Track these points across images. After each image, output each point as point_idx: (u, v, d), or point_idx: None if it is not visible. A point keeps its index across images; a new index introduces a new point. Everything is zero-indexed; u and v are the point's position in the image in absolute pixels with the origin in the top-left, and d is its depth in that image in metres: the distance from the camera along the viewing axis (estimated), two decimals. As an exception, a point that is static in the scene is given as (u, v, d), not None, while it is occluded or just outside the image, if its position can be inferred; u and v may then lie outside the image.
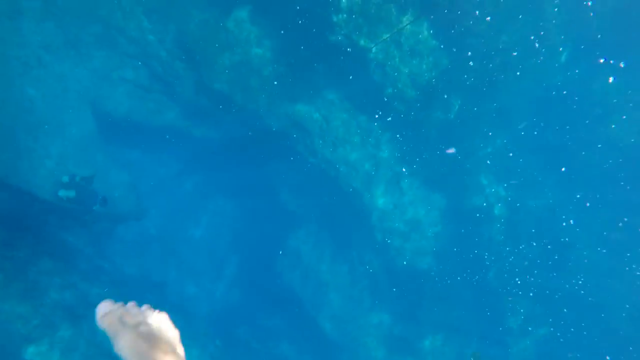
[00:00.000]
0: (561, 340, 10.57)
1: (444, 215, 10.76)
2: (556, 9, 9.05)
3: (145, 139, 12.09)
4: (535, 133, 9.95)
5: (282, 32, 9.49)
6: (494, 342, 10.97)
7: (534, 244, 10.27)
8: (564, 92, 9.75)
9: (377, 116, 9.88)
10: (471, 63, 8.90)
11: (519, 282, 10.58)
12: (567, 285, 10.49)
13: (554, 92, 9.67)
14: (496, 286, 11.08)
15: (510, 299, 10.84)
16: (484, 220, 10.57)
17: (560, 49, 9.45)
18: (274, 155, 11.90)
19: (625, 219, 9.91)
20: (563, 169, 10.14)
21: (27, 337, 8.19)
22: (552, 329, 10.60)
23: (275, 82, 9.94)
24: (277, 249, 13.58)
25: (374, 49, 8.62)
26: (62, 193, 8.89)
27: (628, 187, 9.73)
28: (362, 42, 8.78)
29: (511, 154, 10.09)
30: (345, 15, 8.86)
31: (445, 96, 9.42)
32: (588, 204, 10.03)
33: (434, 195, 10.71)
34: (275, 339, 12.16)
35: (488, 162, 10.64)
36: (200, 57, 9.94)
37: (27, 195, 9.31)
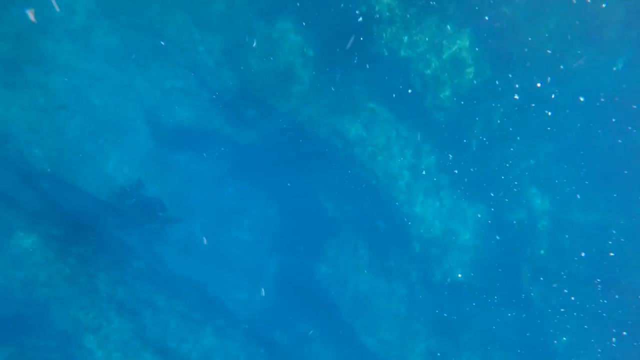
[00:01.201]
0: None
1: (485, 227, 10.55)
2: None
3: (192, 144, 12.74)
4: (583, 143, 9.59)
5: (324, 42, 9.77)
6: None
7: (581, 261, 9.85)
8: (616, 99, 9.34)
9: (417, 126, 9.90)
10: (510, 75, 8.76)
11: (564, 301, 10.17)
12: (620, 311, 9.96)
13: (603, 99, 9.29)
14: (540, 304, 10.69)
15: (556, 318, 10.43)
16: (527, 233, 10.27)
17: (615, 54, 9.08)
18: (315, 162, 12.16)
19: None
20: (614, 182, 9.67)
21: (87, 327, 8.92)
22: (600, 351, 10.09)
23: (317, 91, 10.22)
24: (315, 255, 13.79)
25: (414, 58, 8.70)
26: (127, 202, 9.79)
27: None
28: (402, 53, 8.88)
29: (557, 166, 9.76)
30: (386, 26, 9.00)
31: (487, 106, 9.31)
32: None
33: (475, 206, 10.54)
34: (310, 344, 12.34)
35: (532, 173, 10.35)
36: (245, 66, 10.42)
37: (89, 196, 10.13)
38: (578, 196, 10.05)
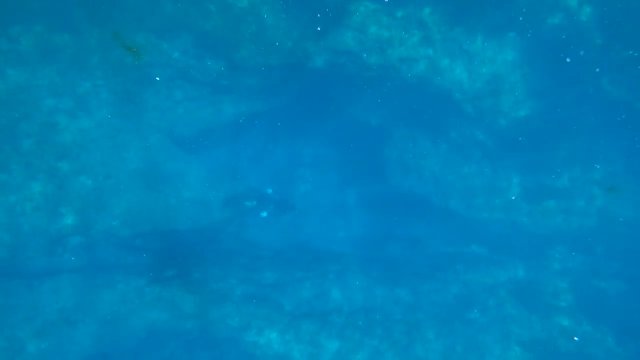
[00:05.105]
0: None
1: (528, 53, 9.82)
2: None
3: (223, 137, 13.02)
4: None
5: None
6: None
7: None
8: None
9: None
10: None
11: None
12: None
13: None
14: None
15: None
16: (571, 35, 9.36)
17: None
18: (335, 88, 11.88)
19: None
20: None
21: (239, 328, 10.25)
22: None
23: (297, 26, 9.72)
24: (381, 165, 13.97)
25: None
26: (248, 203, 11.66)
27: None
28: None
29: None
30: None
31: None
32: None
33: (505, 38, 9.76)
34: (425, 241, 13.00)
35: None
36: (222, 44, 10.12)
37: (172, 231, 11.12)
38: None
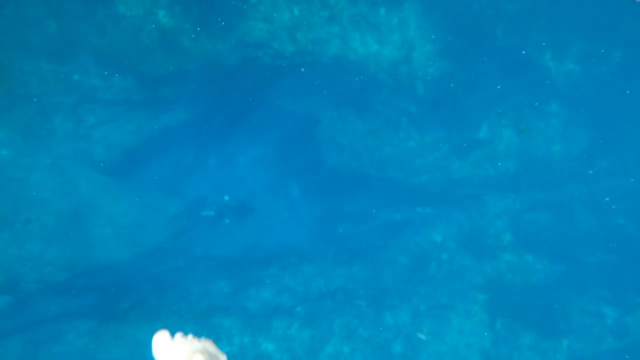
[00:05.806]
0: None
1: (424, 17, 10.30)
2: None
3: (149, 154, 12.37)
4: None
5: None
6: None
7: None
8: None
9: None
10: None
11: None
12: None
13: None
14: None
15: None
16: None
17: None
18: (253, 85, 11.72)
19: None
20: None
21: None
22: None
23: (203, 27, 9.40)
24: (316, 149, 14.08)
25: None
26: (205, 213, 11.36)
27: None
28: None
29: None
30: None
31: None
32: None
33: (405, 4, 10.16)
34: (371, 212, 13.38)
35: None
36: (126, 58, 9.54)
37: (116, 262, 10.45)
38: None
